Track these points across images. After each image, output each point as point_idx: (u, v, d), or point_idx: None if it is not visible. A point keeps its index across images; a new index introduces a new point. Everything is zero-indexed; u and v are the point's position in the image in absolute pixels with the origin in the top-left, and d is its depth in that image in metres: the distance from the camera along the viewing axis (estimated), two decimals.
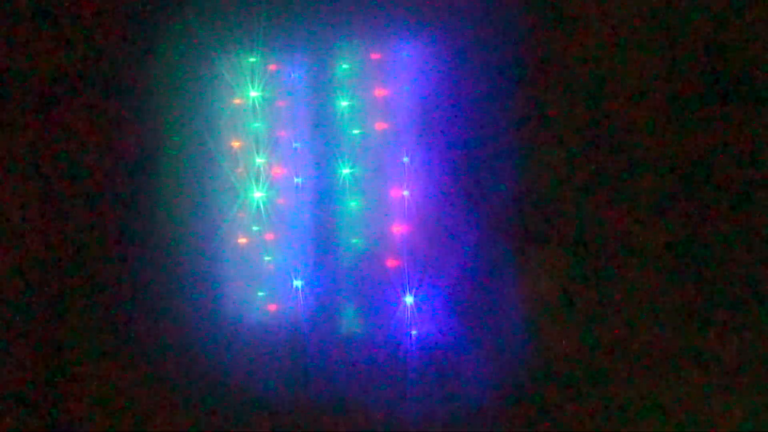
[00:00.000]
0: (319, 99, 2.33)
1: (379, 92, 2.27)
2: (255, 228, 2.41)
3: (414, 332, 2.23)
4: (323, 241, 2.34)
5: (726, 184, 1.99)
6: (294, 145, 2.36)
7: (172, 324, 2.47)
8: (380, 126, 2.27)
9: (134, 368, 2.51)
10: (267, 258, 2.41)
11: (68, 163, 2.53)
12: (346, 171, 2.29)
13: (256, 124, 2.40)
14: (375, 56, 2.28)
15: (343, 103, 2.30)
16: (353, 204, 2.30)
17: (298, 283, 2.35)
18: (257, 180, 2.40)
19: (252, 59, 2.38)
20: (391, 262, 2.26)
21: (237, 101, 2.41)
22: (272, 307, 2.40)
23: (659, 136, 2.04)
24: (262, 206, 2.40)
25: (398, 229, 2.25)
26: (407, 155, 2.23)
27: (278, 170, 2.39)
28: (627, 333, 2.08)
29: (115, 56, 2.50)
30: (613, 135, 2.08)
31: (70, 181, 2.53)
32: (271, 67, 2.38)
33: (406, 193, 2.24)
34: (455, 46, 2.17)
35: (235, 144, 2.42)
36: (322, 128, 2.33)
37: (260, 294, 2.41)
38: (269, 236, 2.40)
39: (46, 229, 2.54)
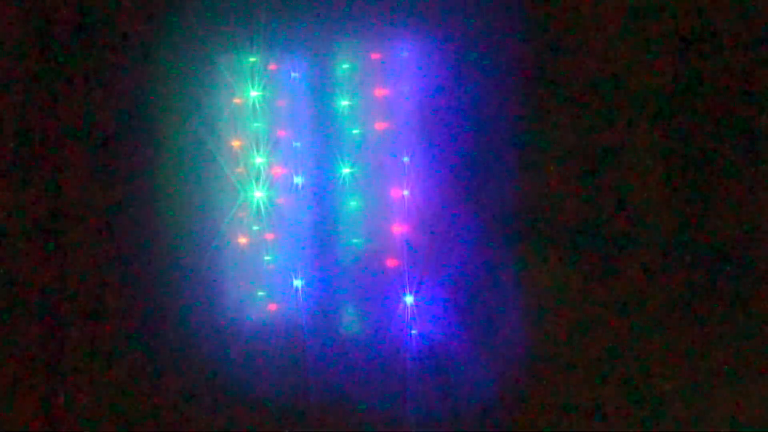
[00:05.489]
0: (319, 99, 2.33)
1: (379, 92, 2.27)
2: (255, 228, 2.41)
3: (414, 332, 2.23)
4: (323, 241, 2.34)
5: (727, 184, 1.99)
6: (294, 144, 2.36)
7: (172, 324, 2.47)
8: (380, 126, 2.27)
9: (133, 368, 2.51)
10: (267, 258, 2.40)
11: (68, 164, 2.53)
12: (346, 171, 2.29)
13: (256, 124, 2.40)
14: (375, 56, 2.28)
15: (343, 103, 2.30)
16: (353, 204, 2.30)
17: (298, 283, 2.35)
18: (257, 180, 2.40)
19: (252, 59, 2.38)
20: (391, 262, 2.25)
21: (237, 101, 2.41)
22: (272, 307, 2.40)
23: (661, 136, 2.04)
24: (262, 206, 2.40)
25: (398, 229, 2.25)
26: (407, 155, 2.23)
27: (278, 170, 2.39)
28: (627, 333, 2.08)
29: (116, 56, 2.50)
30: (614, 135, 2.07)
31: (69, 181, 2.53)
32: (271, 67, 2.38)
33: (406, 193, 2.24)
34: (455, 46, 2.17)
35: (235, 144, 2.42)
36: (322, 128, 2.33)
37: (260, 294, 2.41)
38: (269, 236, 2.40)
39: (45, 229, 2.54)
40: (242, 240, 2.42)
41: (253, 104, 2.40)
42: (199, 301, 2.44)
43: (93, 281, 2.53)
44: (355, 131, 2.29)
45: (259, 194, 2.40)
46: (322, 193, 2.33)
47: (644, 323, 2.06)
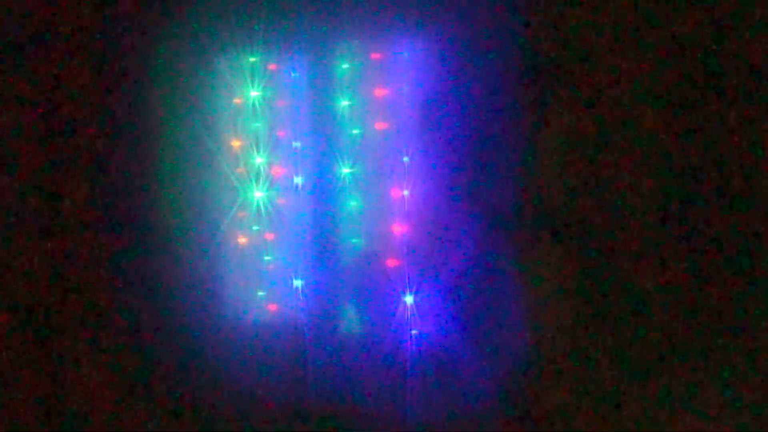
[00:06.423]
0: (319, 99, 2.33)
1: (379, 92, 2.27)
2: (255, 228, 2.41)
3: (414, 332, 2.23)
4: (323, 241, 2.34)
5: (728, 185, 1.99)
6: (294, 144, 2.36)
7: (173, 324, 2.47)
8: (380, 126, 2.27)
9: (134, 368, 2.51)
10: (267, 258, 2.41)
11: (68, 164, 2.53)
12: (346, 171, 2.29)
13: (256, 124, 2.40)
14: (375, 56, 2.28)
15: (343, 103, 2.30)
16: (353, 204, 2.30)
17: (298, 283, 2.35)
18: (257, 180, 2.40)
19: (252, 59, 2.38)
20: (391, 262, 2.26)
21: (237, 101, 2.41)
22: (272, 307, 2.40)
23: (661, 136, 2.04)
24: (262, 206, 2.40)
25: (398, 229, 2.25)
26: (407, 155, 2.23)
27: (278, 170, 2.39)
28: (628, 332, 2.08)
29: (116, 56, 2.50)
30: (614, 135, 2.07)
31: (68, 182, 2.53)
32: (271, 67, 2.38)
33: (406, 193, 2.24)
34: (455, 46, 2.17)
35: (235, 144, 2.42)
36: (322, 128, 2.33)
37: (260, 294, 2.41)
38: (269, 236, 2.40)
39: (45, 228, 2.54)
40: (242, 240, 2.42)
41: (253, 104, 2.40)
42: (199, 301, 2.44)
43: (93, 281, 2.53)
44: (355, 131, 2.29)
45: (259, 194, 2.40)
46: (322, 193, 2.33)
47: (645, 322, 2.06)
